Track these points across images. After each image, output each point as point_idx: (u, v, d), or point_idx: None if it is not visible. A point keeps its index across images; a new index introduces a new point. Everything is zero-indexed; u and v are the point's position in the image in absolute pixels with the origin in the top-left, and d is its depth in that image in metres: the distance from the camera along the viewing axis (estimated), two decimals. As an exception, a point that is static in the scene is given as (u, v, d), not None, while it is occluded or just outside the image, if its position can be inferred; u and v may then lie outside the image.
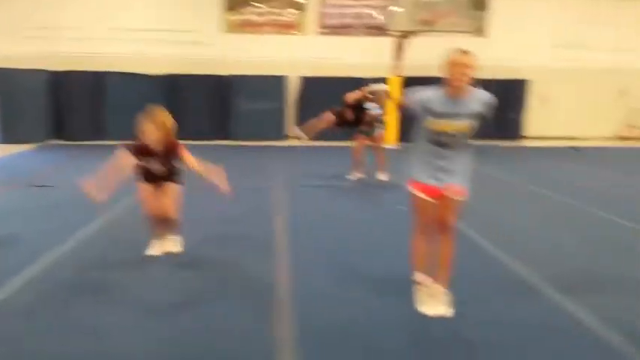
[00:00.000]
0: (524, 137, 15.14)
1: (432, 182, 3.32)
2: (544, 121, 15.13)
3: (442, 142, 3.25)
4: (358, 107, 8.12)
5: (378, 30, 13.75)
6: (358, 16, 14.58)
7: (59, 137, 13.02)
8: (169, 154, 4.29)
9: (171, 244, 4.55)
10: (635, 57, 15.22)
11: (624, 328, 3.19)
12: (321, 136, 9.15)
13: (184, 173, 4.46)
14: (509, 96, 14.68)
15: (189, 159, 4.28)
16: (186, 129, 14.21)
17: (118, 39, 13.52)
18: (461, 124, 3.23)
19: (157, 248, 4.49)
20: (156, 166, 4.29)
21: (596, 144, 14.13)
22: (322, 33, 14.76)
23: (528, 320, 3.33)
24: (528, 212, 6.39)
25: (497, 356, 2.91)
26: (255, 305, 3.49)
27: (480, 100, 3.27)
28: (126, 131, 12.82)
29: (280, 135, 14.19)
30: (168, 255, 4.43)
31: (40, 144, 12.08)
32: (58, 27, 13.44)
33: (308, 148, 12.45)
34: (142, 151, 4.23)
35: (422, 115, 3.30)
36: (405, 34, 12.99)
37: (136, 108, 14.26)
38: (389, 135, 13.19)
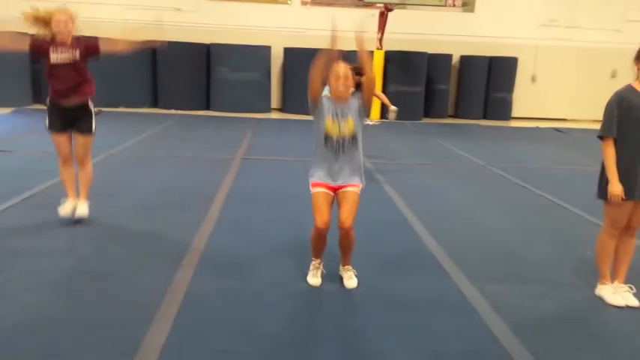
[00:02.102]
0: (513, 118, 14.92)
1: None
2: (533, 102, 14.89)
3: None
4: None
5: (353, 1, 13.45)
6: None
7: (39, 102, 12.94)
8: (84, 53, 4.18)
9: (82, 208, 4.37)
10: (626, 37, 14.85)
11: (514, 316, 3.13)
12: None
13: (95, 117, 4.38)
14: (497, 74, 14.46)
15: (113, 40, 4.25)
16: (166, 98, 14.32)
17: (96, 4, 13.31)
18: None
19: (67, 208, 4.35)
20: (65, 70, 4.16)
21: (587, 126, 13.89)
22: (307, 3, 14.49)
23: (419, 298, 3.30)
24: (472, 192, 6.31)
25: (371, 334, 2.85)
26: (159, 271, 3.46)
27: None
28: (106, 97, 13.04)
29: (264, 107, 14.05)
30: (85, 221, 4.36)
31: (16, 108, 12.02)
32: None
33: (292, 121, 12.39)
34: (47, 45, 4.14)
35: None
36: (389, 7, 12.73)
37: (114, 75, 14.16)
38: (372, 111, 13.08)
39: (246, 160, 7.48)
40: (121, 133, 9.25)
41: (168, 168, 6.85)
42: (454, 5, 14.80)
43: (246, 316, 2.99)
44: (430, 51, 13.94)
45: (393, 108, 7.58)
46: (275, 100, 14.49)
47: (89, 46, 4.24)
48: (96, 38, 4.35)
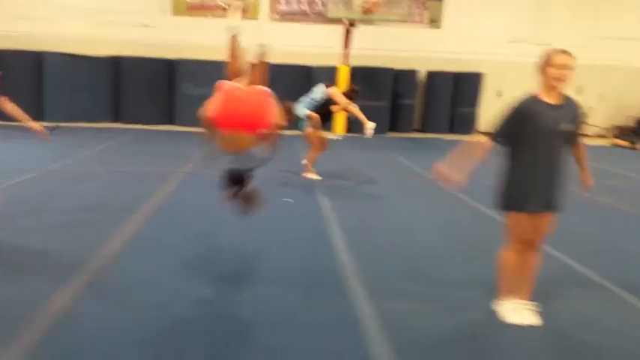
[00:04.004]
0: (478, 132, 14.91)
1: None
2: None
3: None
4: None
5: (321, 17, 13.45)
6: (311, 3, 14.29)
7: (-2, 117, 12.74)
8: None
9: None
10: (590, 54, 14.97)
11: (403, 336, 3.00)
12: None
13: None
14: (463, 89, 14.50)
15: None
16: (128, 113, 14.16)
17: (60, 19, 13.21)
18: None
19: None
20: None
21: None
22: (274, 19, 14.48)
23: (308, 318, 3.18)
24: (413, 207, 6.19)
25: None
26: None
27: None
28: (64, 111, 12.88)
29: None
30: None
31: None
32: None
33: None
34: None
35: None
36: (352, 23, 12.74)
37: (76, 90, 14.05)
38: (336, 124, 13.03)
39: (191, 175, 7.34)
40: (70, 148, 9.08)
41: (106, 183, 6.68)
42: (421, 22, 14.86)
43: (110, 344, 2.82)
44: (397, 67, 13.96)
45: (369, 125, 7.40)
46: (241, 115, 14.37)
47: None
48: None
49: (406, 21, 13.58)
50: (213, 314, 3.21)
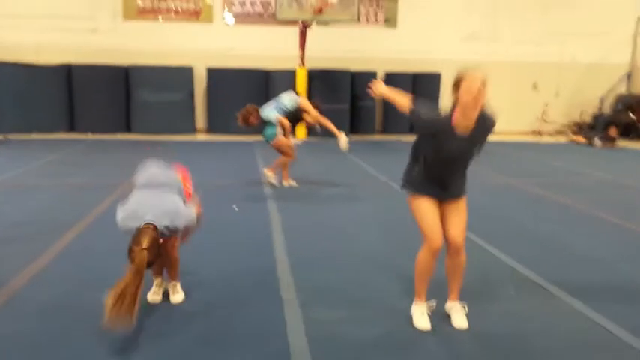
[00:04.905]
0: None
1: None
2: (458, 115, 14.99)
3: None
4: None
5: (273, 19, 13.36)
6: (265, 5, 14.20)
7: None
8: None
9: None
10: (545, 50, 15.24)
11: (322, 345, 2.92)
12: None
13: None
14: (422, 89, 14.51)
15: None
16: (83, 122, 13.81)
17: (7, 27, 12.84)
18: None
19: None
20: None
21: (509, 139, 14.03)
22: (229, 22, 14.33)
23: (231, 327, 3.06)
24: (362, 211, 6.15)
25: None
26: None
27: None
28: (15, 123, 12.50)
29: (188, 128, 13.74)
30: None
31: None
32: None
33: (217, 143, 12.12)
34: None
35: None
36: (306, 24, 12.67)
37: (27, 100, 13.67)
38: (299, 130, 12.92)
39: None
40: (16, 161, 8.80)
41: (44, 197, 6.43)
42: (376, 21, 14.88)
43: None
44: (355, 68, 13.93)
45: (344, 137, 7.18)
46: (200, 121, 14.18)
47: None
48: None
49: (358, 21, 13.54)
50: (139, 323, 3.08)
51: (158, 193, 3.16)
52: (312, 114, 7.28)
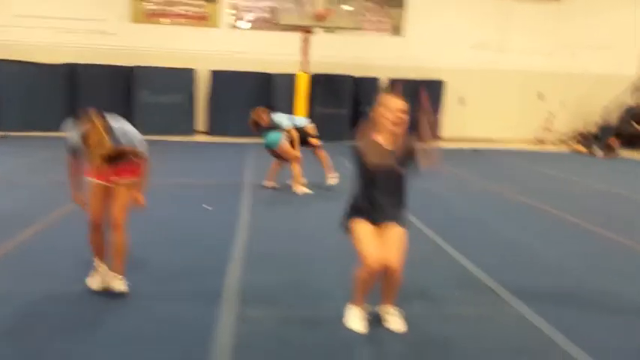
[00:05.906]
0: (440, 139, 14.87)
1: None
2: (461, 123, 14.86)
3: None
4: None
5: (275, 24, 13.38)
6: (271, 10, 14.25)
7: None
8: None
9: None
10: (552, 61, 15.08)
11: (254, 348, 2.88)
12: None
13: None
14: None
15: None
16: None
17: (16, 26, 13.06)
18: None
19: None
20: None
21: (513, 146, 13.87)
22: (234, 26, 14.44)
23: (165, 325, 3.05)
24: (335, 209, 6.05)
25: None
26: None
27: None
28: (18, 120, 12.67)
29: (188, 130, 13.81)
30: None
31: None
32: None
33: (213, 144, 12.16)
34: None
35: None
36: (309, 30, 12.68)
37: (31, 98, 13.77)
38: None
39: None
40: (9, 157, 8.91)
41: (22, 193, 6.48)
42: (384, 30, 14.90)
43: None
44: (358, 74, 13.94)
45: (335, 175, 7.34)
46: (201, 123, 14.26)
47: None
48: None
49: (361, 28, 13.54)
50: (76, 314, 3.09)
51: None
52: (315, 142, 7.44)
